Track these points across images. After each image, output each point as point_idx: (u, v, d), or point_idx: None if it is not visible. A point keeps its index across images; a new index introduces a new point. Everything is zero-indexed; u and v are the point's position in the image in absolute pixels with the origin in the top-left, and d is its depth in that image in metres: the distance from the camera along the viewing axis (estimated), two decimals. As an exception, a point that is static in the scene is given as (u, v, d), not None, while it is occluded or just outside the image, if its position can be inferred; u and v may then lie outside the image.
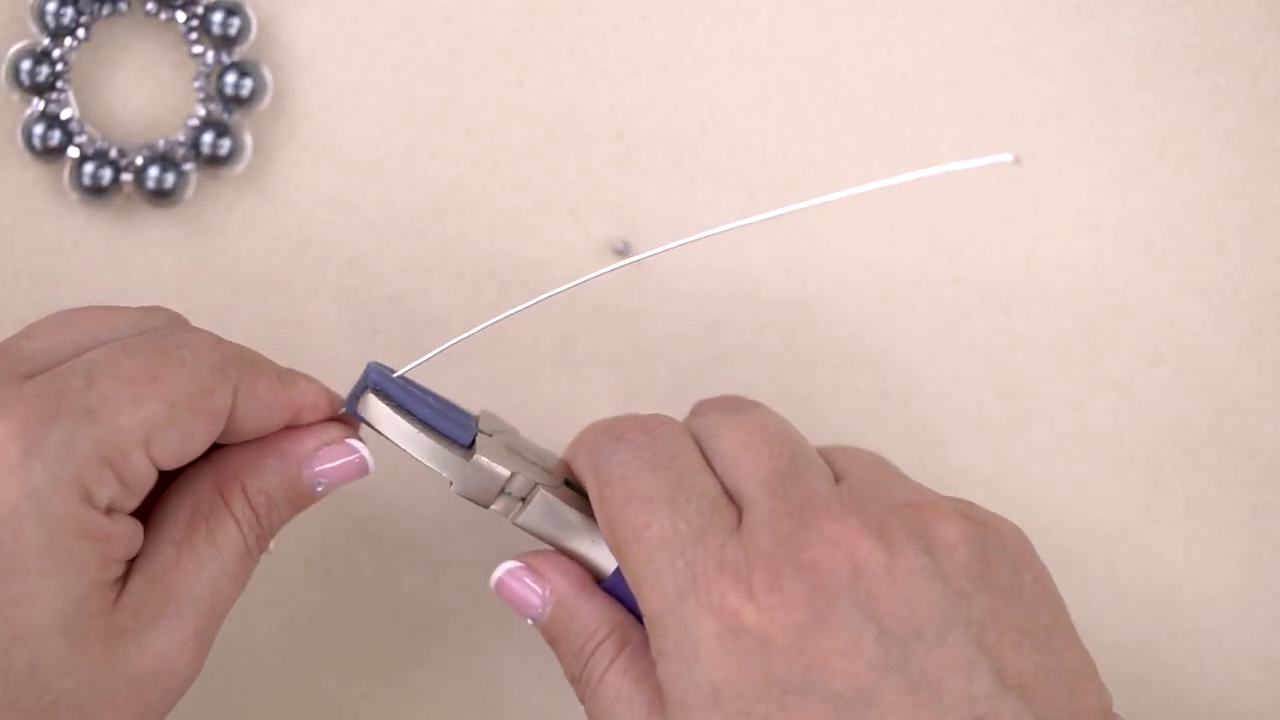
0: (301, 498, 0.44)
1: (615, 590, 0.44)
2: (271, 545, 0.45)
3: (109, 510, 0.40)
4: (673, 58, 0.53)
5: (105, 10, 0.50)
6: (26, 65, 0.50)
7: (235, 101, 0.51)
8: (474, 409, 0.46)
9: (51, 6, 0.50)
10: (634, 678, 0.42)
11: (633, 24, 0.53)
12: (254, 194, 0.53)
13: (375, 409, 0.44)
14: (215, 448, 0.43)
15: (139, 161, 0.51)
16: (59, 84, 0.50)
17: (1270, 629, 0.56)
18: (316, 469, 0.44)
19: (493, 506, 0.45)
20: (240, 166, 0.52)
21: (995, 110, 0.53)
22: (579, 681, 0.44)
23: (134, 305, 0.44)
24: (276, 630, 0.55)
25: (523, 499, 0.44)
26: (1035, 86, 0.53)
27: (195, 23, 0.51)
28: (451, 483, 0.44)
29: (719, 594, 0.40)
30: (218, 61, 0.51)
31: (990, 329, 0.54)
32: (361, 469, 0.44)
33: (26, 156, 0.51)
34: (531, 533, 0.45)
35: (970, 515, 0.42)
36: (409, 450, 0.44)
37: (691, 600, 0.40)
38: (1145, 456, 0.55)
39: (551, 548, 0.45)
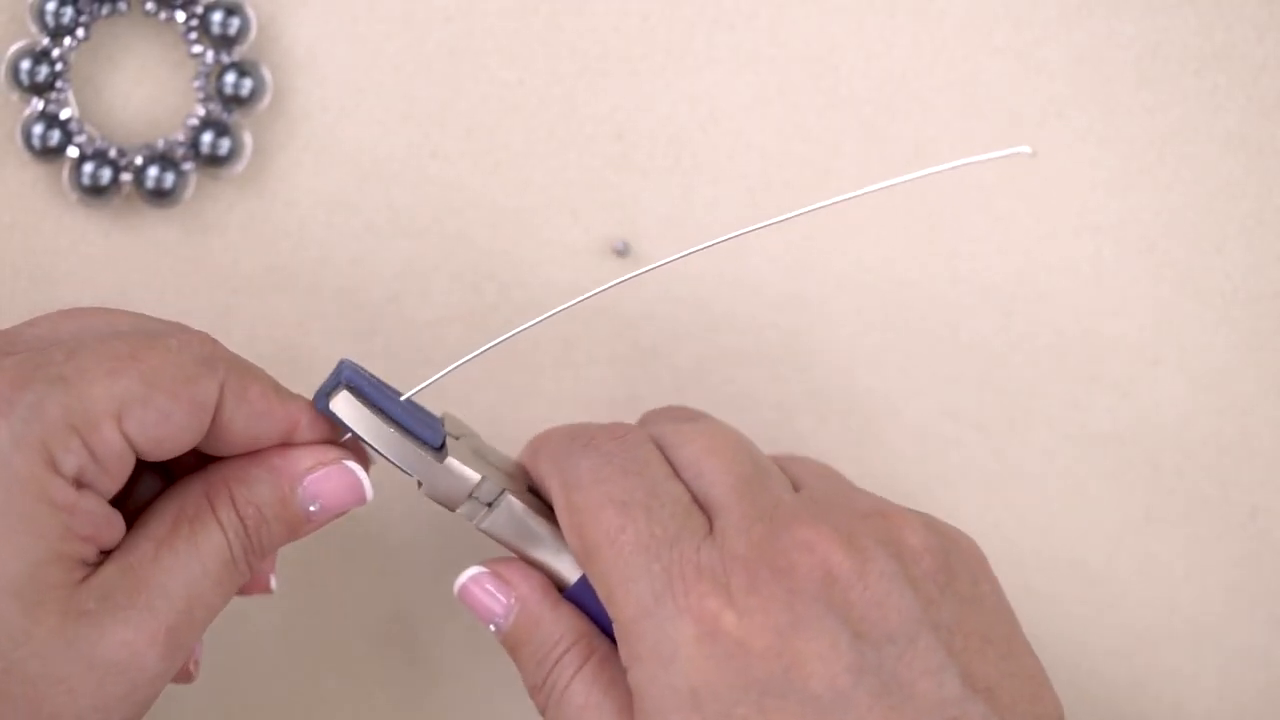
0: (294, 518, 0.43)
1: (577, 600, 0.44)
2: (273, 582, 0.44)
3: (78, 484, 0.39)
4: (673, 58, 0.53)
5: (105, 10, 0.50)
6: (26, 65, 0.50)
7: (235, 101, 0.51)
8: (436, 412, 0.46)
9: (51, 6, 0.50)
10: (602, 686, 0.43)
11: (633, 24, 0.53)
12: (254, 194, 0.53)
13: (347, 405, 0.43)
14: (210, 460, 0.43)
15: (138, 161, 0.51)
16: (58, 84, 0.50)
17: (1270, 629, 0.56)
18: (310, 489, 0.43)
19: (459, 510, 0.45)
20: (240, 166, 0.52)
21: (995, 110, 0.53)
22: (541, 690, 0.44)
23: (135, 306, 0.44)
24: (276, 630, 0.55)
25: (489, 504, 0.45)
26: (1035, 86, 0.53)
27: (195, 22, 0.51)
28: (420, 484, 0.44)
29: (697, 597, 0.40)
30: (217, 61, 0.51)
31: (990, 329, 0.54)
32: (359, 495, 0.44)
33: (26, 156, 0.51)
34: (495, 538, 0.45)
35: (931, 525, 0.43)
36: (379, 449, 0.44)
37: (669, 603, 0.40)
38: (1145, 457, 0.55)
39: (513, 555, 0.45)
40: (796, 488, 0.44)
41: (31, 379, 0.39)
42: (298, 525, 0.44)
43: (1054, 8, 0.53)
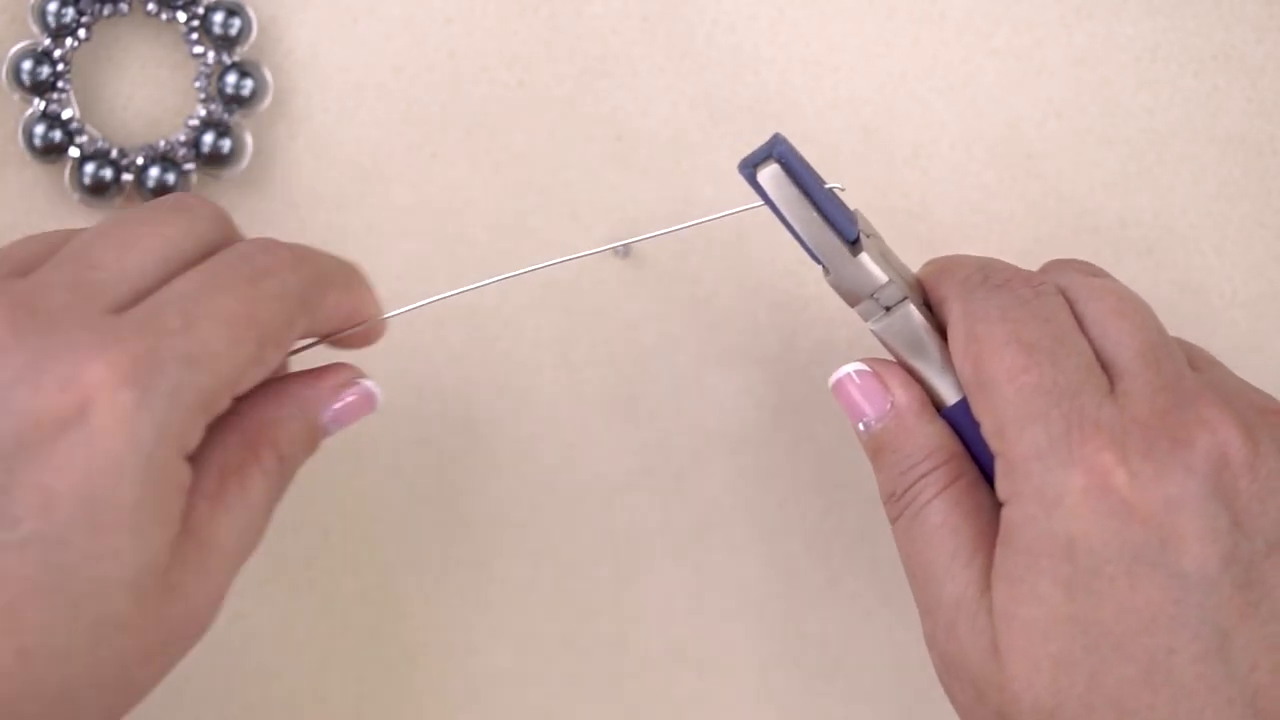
0: (316, 441, 0.43)
1: (951, 422, 0.45)
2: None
3: (192, 454, 0.39)
4: (673, 58, 0.53)
5: (106, 10, 0.50)
6: (27, 65, 0.50)
7: (236, 102, 0.51)
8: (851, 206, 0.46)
9: (52, 6, 0.50)
10: (964, 510, 0.43)
11: (633, 24, 0.53)
12: (254, 194, 0.53)
13: (773, 180, 0.43)
14: None
15: (140, 161, 0.51)
16: (60, 84, 0.50)
17: (1270, 630, 0.56)
18: (335, 418, 0.43)
19: (857, 307, 0.45)
20: (241, 167, 0.52)
21: (995, 111, 0.53)
22: (898, 499, 0.44)
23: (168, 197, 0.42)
24: (277, 630, 0.55)
25: (887, 308, 0.45)
26: (1035, 87, 0.53)
27: (196, 23, 0.51)
28: (826, 272, 0.45)
29: (1093, 449, 0.40)
30: (218, 62, 0.51)
31: (990, 330, 0.54)
32: (372, 403, 0.44)
33: (27, 156, 0.51)
34: (885, 343, 0.45)
35: None
36: (797, 229, 0.44)
37: (1063, 450, 0.41)
38: (1145, 458, 0.55)
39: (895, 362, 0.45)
40: (1193, 368, 0.44)
41: (161, 357, 0.37)
42: (317, 445, 0.44)
43: (1053, 9, 0.53)
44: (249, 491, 0.41)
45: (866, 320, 0.45)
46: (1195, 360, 0.45)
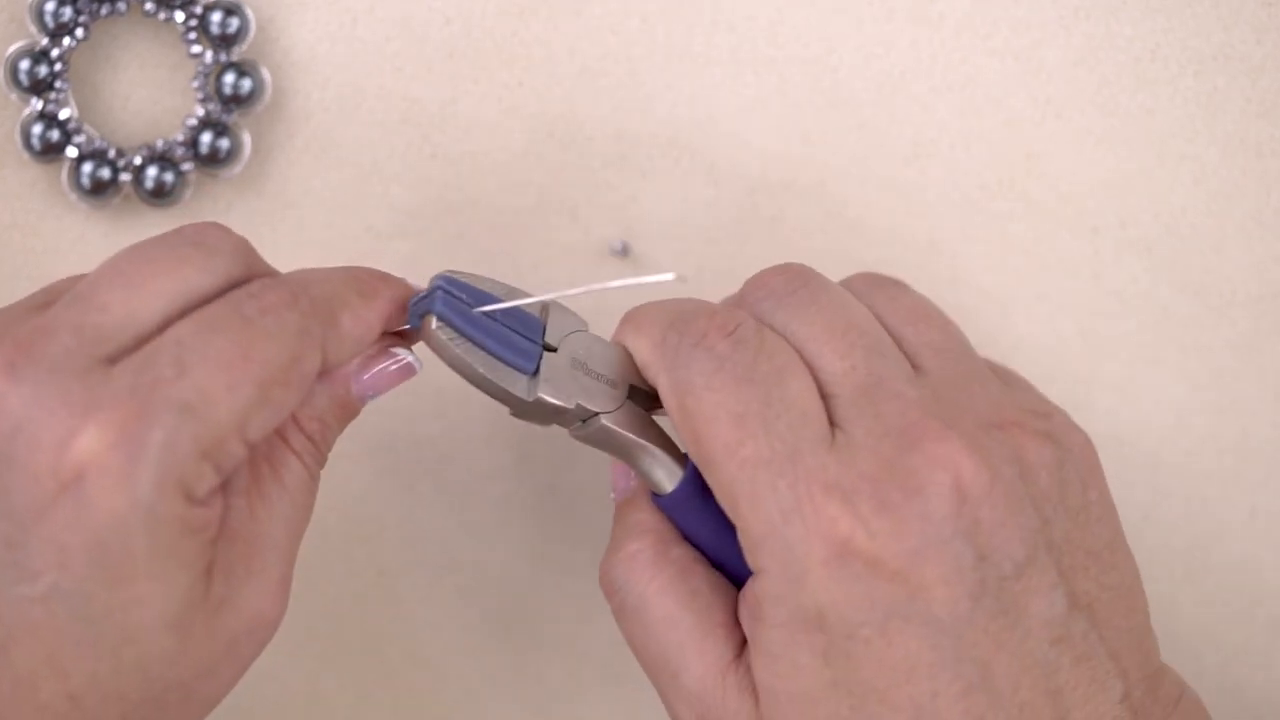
0: (351, 413, 0.43)
1: (669, 508, 0.44)
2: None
3: (205, 498, 0.39)
4: (673, 58, 0.53)
5: (104, 10, 0.50)
6: (25, 65, 0.50)
7: (234, 102, 0.51)
8: (544, 298, 0.45)
9: (50, 6, 0.50)
10: (679, 599, 0.43)
11: (632, 24, 0.53)
12: (252, 195, 0.53)
13: (435, 335, 0.42)
14: None
15: (137, 161, 0.51)
16: (57, 84, 0.50)
17: (1270, 629, 0.56)
18: (366, 386, 0.43)
19: (550, 425, 0.44)
20: (239, 167, 0.52)
21: (994, 111, 0.53)
22: (615, 591, 0.44)
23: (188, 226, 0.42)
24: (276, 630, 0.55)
25: (583, 420, 0.44)
26: (1034, 88, 0.53)
27: (194, 23, 0.51)
28: (511, 411, 0.44)
29: (828, 519, 0.40)
30: (216, 61, 0.51)
31: (990, 330, 0.54)
32: (409, 372, 0.43)
33: (25, 156, 0.51)
34: (592, 445, 0.44)
35: (1051, 435, 0.42)
36: (472, 381, 0.43)
37: (797, 523, 0.40)
38: (1144, 458, 0.55)
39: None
40: (915, 365, 0.43)
41: (154, 409, 0.37)
42: (353, 416, 0.43)
43: (1052, 9, 0.53)
44: (285, 477, 0.41)
45: (568, 428, 0.44)
46: (917, 351, 0.44)
